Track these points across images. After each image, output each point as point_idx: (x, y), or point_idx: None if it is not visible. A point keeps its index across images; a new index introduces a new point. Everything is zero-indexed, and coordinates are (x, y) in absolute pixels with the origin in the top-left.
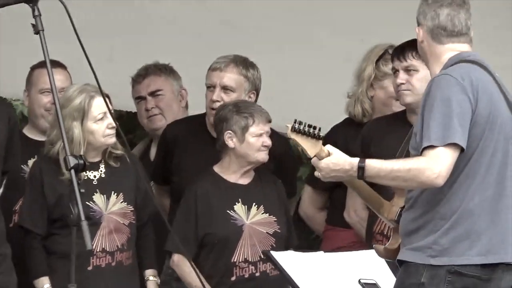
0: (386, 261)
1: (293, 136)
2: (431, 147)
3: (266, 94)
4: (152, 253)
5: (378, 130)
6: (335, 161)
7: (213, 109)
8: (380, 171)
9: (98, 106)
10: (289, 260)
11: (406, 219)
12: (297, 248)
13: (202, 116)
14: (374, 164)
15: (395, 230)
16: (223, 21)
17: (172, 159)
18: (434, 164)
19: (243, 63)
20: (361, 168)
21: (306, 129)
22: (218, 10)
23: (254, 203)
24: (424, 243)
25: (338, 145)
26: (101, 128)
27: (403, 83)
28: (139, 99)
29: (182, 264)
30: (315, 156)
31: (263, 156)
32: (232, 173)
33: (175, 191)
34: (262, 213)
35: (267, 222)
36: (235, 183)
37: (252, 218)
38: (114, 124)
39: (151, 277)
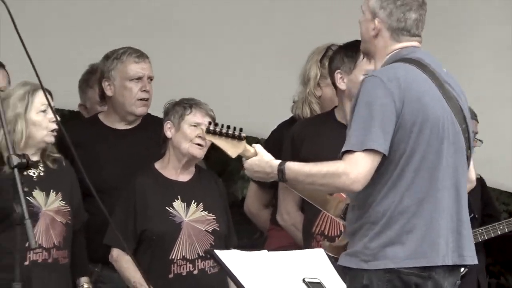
0: (331, 260)
1: (209, 137)
2: (350, 151)
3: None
4: (86, 261)
5: (309, 130)
6: (258, 162)
7: (144, 99)
8: (298, 175)
9: (41, 98)
10: (234, 259)
11: (348, 219)
12: (240, 248)
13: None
14: (293, 167)
15: (345, 226)
16: None
17: None
18: (350, 170)
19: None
20: (280, 171)
21: (224, 130)
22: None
23: (193, 200)
24: (357, 248)
25: (281, 142)
26: (44, 120)
27: None
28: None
29: (121, 259)
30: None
31: (195, 150)
32: (172, 169)
33: None
34: (201, 211)
35: (206, 220)
36: (174, 180)
37: (191, 215)
38: (55, 119)
39: (85, 284)
